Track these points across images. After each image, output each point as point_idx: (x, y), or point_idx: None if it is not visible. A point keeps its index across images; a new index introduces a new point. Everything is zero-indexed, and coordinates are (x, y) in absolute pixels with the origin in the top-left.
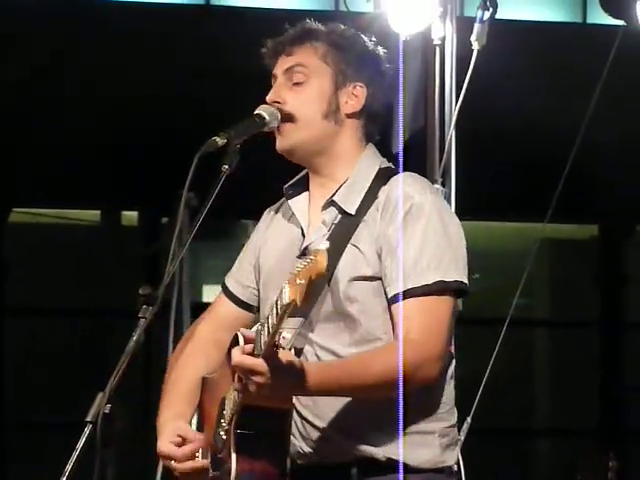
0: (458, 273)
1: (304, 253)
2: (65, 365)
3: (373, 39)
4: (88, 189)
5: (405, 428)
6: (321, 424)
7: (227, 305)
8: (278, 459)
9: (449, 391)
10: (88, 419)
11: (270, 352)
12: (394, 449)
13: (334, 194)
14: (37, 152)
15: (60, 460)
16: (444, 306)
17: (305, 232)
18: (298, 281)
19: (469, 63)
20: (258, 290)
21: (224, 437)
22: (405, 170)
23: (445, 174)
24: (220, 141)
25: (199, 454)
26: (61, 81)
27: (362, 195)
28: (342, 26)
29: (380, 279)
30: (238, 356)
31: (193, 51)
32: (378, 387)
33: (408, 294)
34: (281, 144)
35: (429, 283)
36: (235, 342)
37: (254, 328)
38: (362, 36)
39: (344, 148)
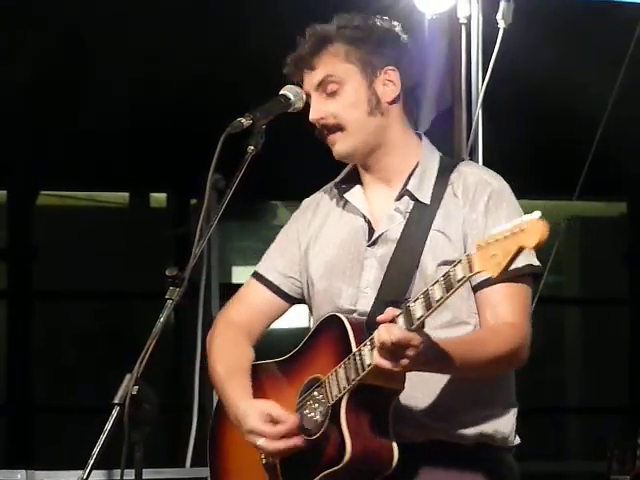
0: (535, 257)
1: (375, 242)
2: (93, 348)
3: (385, 17)
4: (117, 171)
5: (497, 408)
6: (408, 405)
7: (263, 293)
8: (386, 435)
9: None
10: (116, 401)
11: (420, 327)
12: (482, 429)
13: (406, 183)
14: (65, 134)
15: (88, 443)
16: (529, 290)
17: (371, 221)
18: (492, 252)
19: (495, 41)
20: (302, 282)
21: (317, 418)
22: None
23: (472, 153)
24: (245, 122)
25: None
26: (91, 63)
27: (432, 184)
28: (348, 16)
29: None
30: (398, 331)
31: (222, 32)
32: (490, 366)
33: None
34: (338, 153)
35: (520, 267)
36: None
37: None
38: (374, 18)
39: (395, 136)
